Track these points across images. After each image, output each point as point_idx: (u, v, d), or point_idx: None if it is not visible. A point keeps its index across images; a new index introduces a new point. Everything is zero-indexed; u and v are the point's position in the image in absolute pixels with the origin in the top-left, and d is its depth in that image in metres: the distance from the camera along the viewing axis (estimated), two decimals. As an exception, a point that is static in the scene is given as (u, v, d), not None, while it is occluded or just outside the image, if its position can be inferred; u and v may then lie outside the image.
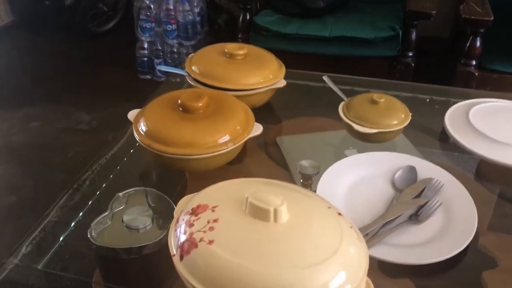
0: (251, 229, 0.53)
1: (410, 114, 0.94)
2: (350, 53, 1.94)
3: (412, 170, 0.85)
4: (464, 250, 0.70)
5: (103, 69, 2.78)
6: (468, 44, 1.73)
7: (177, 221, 0.57)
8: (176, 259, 0.53)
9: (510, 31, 1.97)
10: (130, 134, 0.86)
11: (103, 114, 2.36)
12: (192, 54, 1.09)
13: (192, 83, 1.02)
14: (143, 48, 2.63)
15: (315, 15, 2.05)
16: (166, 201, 0.72)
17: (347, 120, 0.93)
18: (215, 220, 0.54)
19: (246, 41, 2.00)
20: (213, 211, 0.56)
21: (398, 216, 0.76)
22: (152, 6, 2.53)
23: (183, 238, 0.54)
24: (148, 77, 2.68)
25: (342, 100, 0.98)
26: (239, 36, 2.05)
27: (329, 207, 0.59)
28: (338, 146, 1.01)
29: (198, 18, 2.58)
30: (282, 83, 1.03)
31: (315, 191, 0.78)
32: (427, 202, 0.79)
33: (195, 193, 0.61)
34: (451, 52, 2.34)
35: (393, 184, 0.84)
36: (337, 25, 1.97)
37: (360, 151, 0.92)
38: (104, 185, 0.87)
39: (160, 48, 2.62)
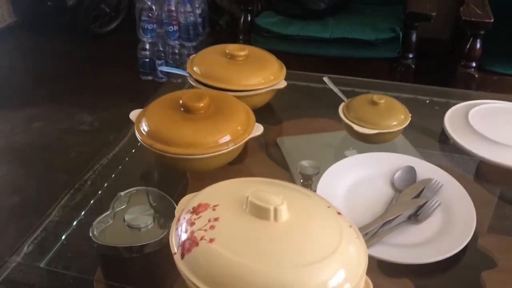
0: (252, 227, 0.54)
1: (410, 115, 0.94)
2: (351, 55, 1.95)
3: (411, 171, 0.85)
4: (463, 250, 0.71)
5: (105, 70, 2.78)
6: (468, 46, 1.73)
7: (178, 220, 0.58)
8: (177, 258, 0.54)
9: (510, 33, 1.97)
10: (132, 134, 0.87)
11: (105, 114, 2.36)
12: (194, 55, 1.10)
13: (193, 83, 1.02)
14: (145, 49, 2.63)
15: (316, 17, 2.05)
16: (168, 201, 0.72)
17: (347, 121, 0.93)
18: (216, 219, 0.55)
19: (247, 42, 2.01)
20: (213, 210, 0.56)
21: (398, 216, 0.76)
22: (154, 7, 2.53)
23: (184, 236, 0.54)
24: (150, 78, 2.69)
25: (342, 101, 0.99)
26: (240, 37, 2.05)
27: (329, 207, 0.60)
28: (338, 146, 1.02)
29: (199, 20, 2.59)
30: (282, 84, 1.04)
31: (315, 191, 0.78)
32: (426, 203, 0.79)
33: (196, 192, 0.61)
34: (451, 54, 2.34)
35: (392, 184, 0.84)
36: (338, 26, 1.98)
37: (360, 151, 0.93)
38: (105, 184, 0.87)
39: (161, 49, 2.63)
